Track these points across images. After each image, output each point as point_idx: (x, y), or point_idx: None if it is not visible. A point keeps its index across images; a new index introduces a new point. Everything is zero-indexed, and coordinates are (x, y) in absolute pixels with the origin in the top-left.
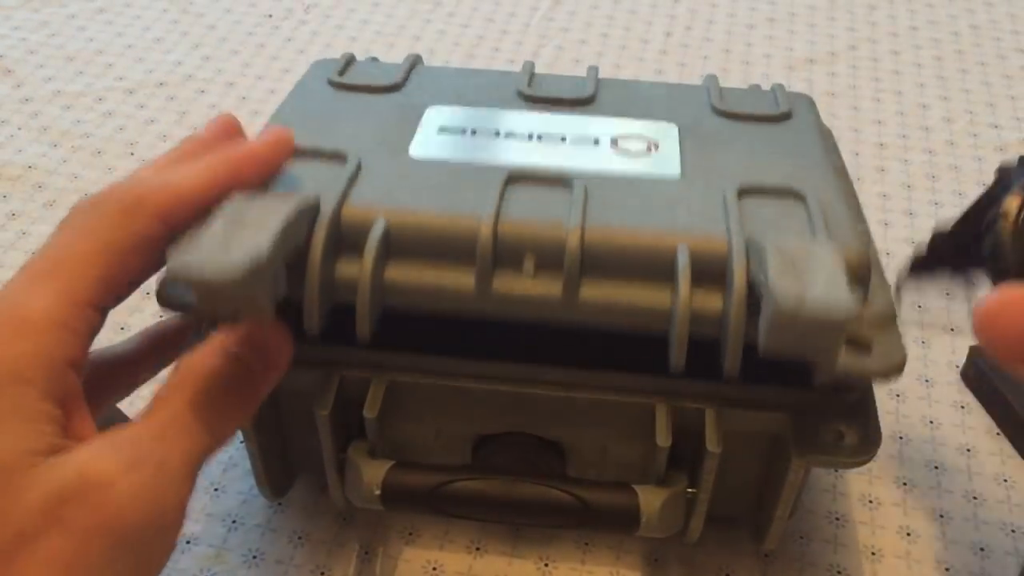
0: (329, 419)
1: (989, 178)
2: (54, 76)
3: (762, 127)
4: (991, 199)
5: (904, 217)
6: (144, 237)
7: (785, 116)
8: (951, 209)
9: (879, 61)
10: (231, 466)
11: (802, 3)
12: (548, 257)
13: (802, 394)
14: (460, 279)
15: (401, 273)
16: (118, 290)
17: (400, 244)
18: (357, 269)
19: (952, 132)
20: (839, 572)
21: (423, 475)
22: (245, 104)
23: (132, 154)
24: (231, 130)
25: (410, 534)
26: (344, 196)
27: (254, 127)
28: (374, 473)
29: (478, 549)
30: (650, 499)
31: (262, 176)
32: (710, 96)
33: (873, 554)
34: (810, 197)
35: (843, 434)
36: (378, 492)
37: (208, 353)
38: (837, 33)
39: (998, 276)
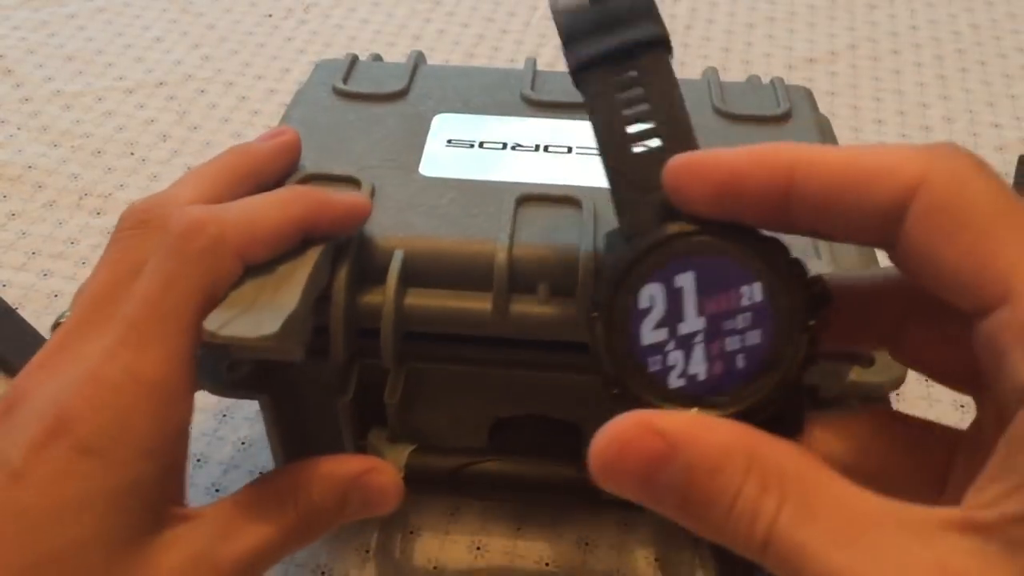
0: (350, 406)
1: None
2: (54, 76)
3: (763, 128)
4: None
5: None
6: (227, 279)
7: (786, 116)
8: None
9: (879, 60)
10: (232, 467)
11: (802, 2)
12: (562, 281)
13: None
14: (477, 304)
15: (420, 300)
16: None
17: (418, 272)
18: (379, 299)
19: (952, 131)
20: None
21: (445, 457)
22: (245, 104)
23: (132, 154)
24: (290, 151)
25: (411, 532)
26: (361, 230)
27: (254, 127)
28: (397, 457)
29: (478, 549)
30: None
31: (332, 230)
32: (711, 94)
33: None
34: None
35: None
36: (402, 475)
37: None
38: (837, 32)
39: None
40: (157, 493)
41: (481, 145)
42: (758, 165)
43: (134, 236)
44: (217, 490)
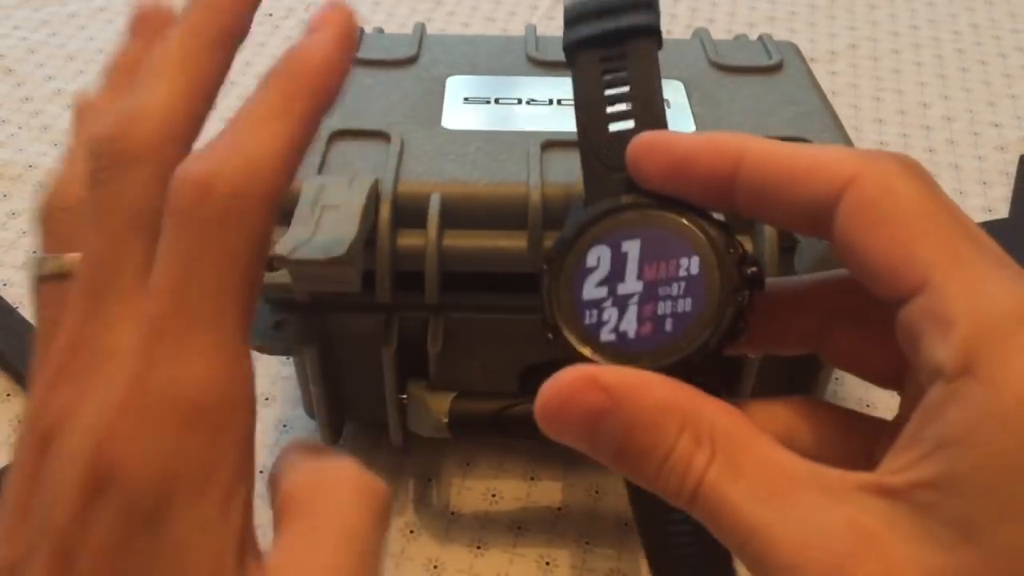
0: (394, 357)
1: (990, 177)
2: (54, 75)
3: (758, 78)
4: None
5: None
6: (261, 239)
7: (778, 66)
8: None
9: (880, 60)
10: None
11: (803, 2)
12: None
13: None
14: (513, 242)
15: (459, 241)
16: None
17: (455, 215)
18: (421, 241)
19: (953, 131)
20: None
21: (485, 402)
22: None
23: None
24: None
25: (411, 532)
26: (398, 174)
27: None
28: (440, 404)
29: (479, 547)
30: None
31: (337, 93)
32: (705, 50)
33: None
34: (817, 144)
35: None
36: (446, 420)
37: None
38: (838, 32)
39: None
40: (231, 546)
41: (497, 101)
42: (708, 150)
43: (115, 179)
44: None
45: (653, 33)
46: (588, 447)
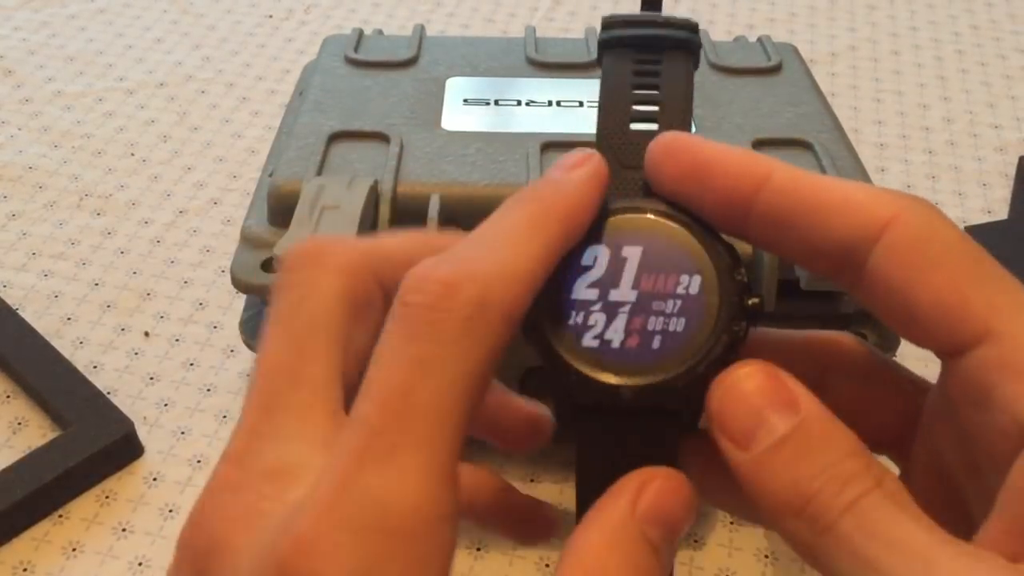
0: None
1: (990, 178)
2: (55, 76)
3: (758, 80)
4: None
5: None
6: (497, 353)
7: (777, 68)
8: (951, 209)
9: (879, 61)
10: None
11: (802, 3)
12: None
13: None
14: None
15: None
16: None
17: (453, 215)
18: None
19: (952, 132)
20: None
21: None
22: (245, 105)
23: (133, 155)
24: (602, 180)
25: None
26: (397, 175)
27: (255, 127)
28: None
29: (479, 550)
30: None
31: (581, 232)
32: (704, 51)
33: None
34: (816, 145)
35: (866, 335)
36: None
37: None
38: (837, 33)
39: None
40: None
41: (496, 103)
42: (734, 162)
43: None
44: None
45: (693, 51)
46: (744, 433)
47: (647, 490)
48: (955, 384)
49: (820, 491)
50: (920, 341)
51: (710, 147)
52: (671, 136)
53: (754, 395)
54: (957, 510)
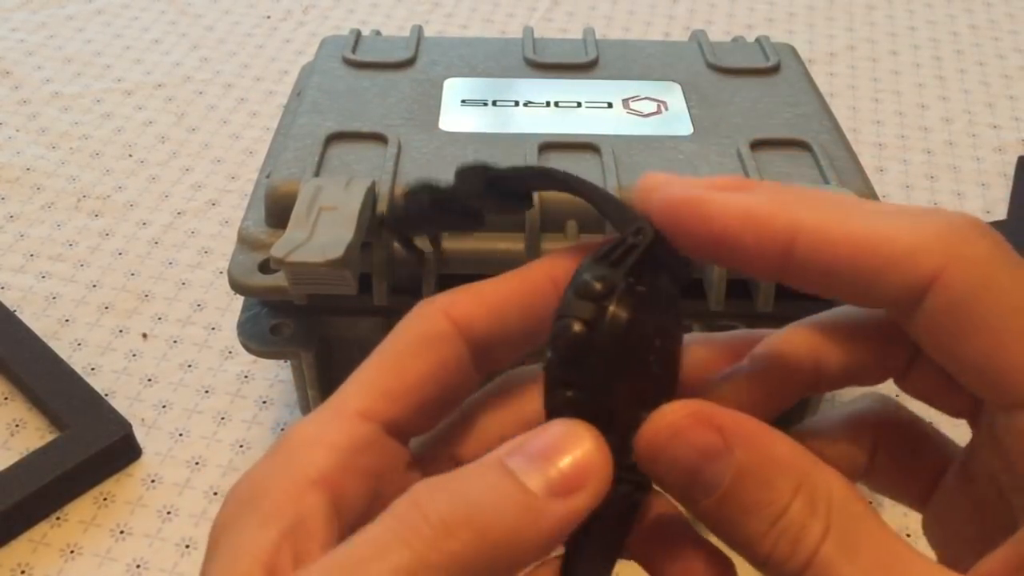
0: None
1: (988, 178)
2: (52, 77)
3: (756, 80)
4: None
5: None
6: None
7: (775, 68)
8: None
9: (878, 61)
10: (231, 470)
11: (801, 3)
12: (590, 219)
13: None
14: (510, 244)
15: (456, 244)
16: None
17: None
18: (418, 244)
19: (951, 132)
20: None
21: None
22: (243, 105)
23: (130, 155)
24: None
25: None
26: (395, 176)
27: (253, 128)
28: None
29: None
30: None
31: None
32: (703, 52)
33: None
34: (815, 146)
35: None
36: None
37: None
38: (836, 33)
39: None
40: None
41: (494, 103)
42: (751, 229)
43: None
44: (215, 493)
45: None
46: (685, 490)
47: None
48: (1002, 436)
49: (772, 553)
50: (973, 392)
51: (720, 213)
52: (671, 198)
53: (681, 449)
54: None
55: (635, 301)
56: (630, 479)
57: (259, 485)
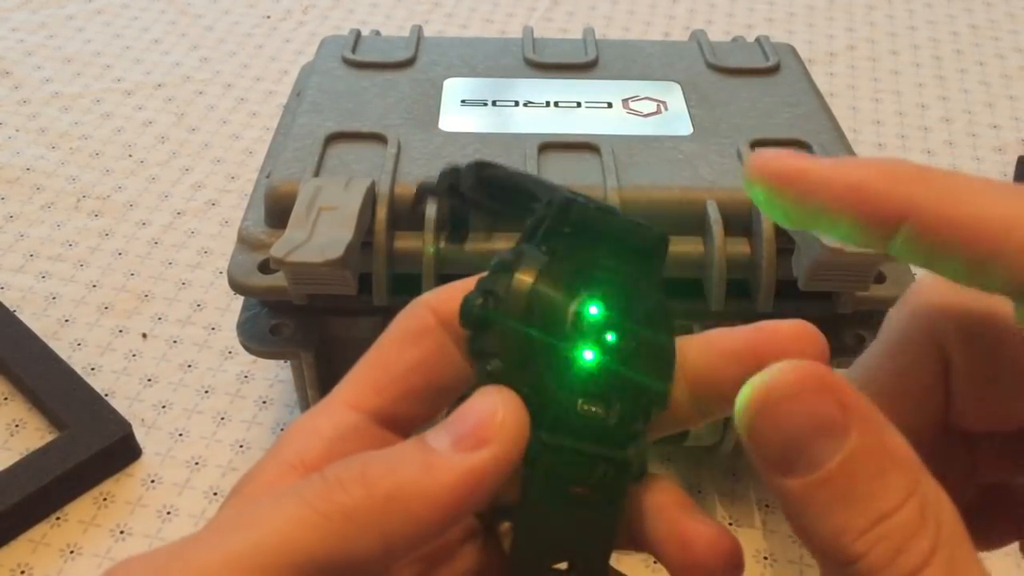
0: None
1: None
2: (52, 77)
3: (756, 80)
4: None
5: None
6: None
7: (775, 68)
8: None
9: (878, 61)
10: (230, 470)
11: (801, 3)
12: None
13: (824, 312)
14: (508, 245)
15: (455, 244)
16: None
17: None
18: (418, 244)
19: (951, 132)
20: None
21: None
22: (243, 105)
23: (130, 155)
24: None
25: None
26: (395, 176)
27: (253, 128)
28: None
29: None
30: None
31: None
32: (703, 51)
33: None
34: (815, 146)
35: (863, 337)
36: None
37: None
38: (836, 33)
39: None
40: None
41: (494, 103)
42: (864, 205)
43: None
44: (215, 493)
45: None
46: (778, 461)
47: None
48: None
49: (867, 554)
50: None
51: (833, 184)
52: (779, 163)
53: (794, 415)
54: None
55: (543, 265)
56: (604, 456)
57: (249, 474)
